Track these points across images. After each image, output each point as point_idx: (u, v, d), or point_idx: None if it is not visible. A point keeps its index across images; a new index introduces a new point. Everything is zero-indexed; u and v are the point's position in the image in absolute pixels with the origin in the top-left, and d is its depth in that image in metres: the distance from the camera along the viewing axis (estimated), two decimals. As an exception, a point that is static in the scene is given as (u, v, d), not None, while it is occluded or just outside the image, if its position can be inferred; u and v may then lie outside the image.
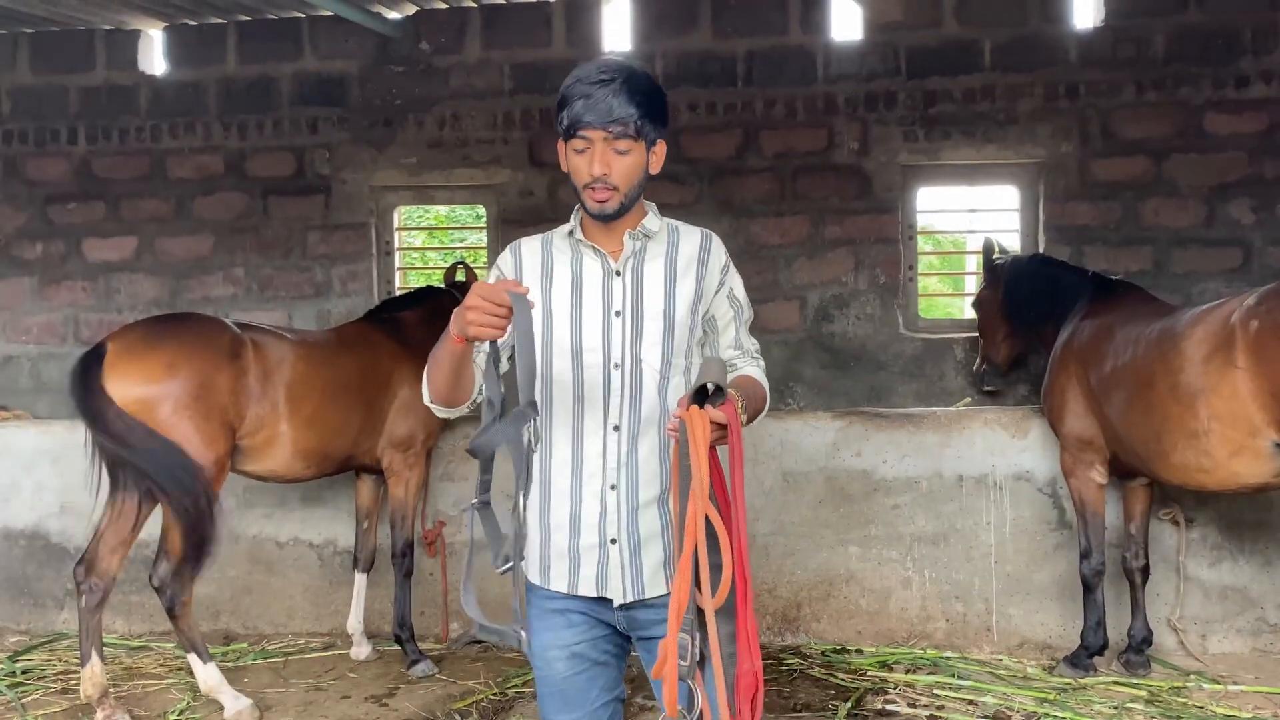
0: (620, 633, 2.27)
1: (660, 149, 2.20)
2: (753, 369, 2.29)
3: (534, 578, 2.26)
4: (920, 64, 6.17)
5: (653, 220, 2.23)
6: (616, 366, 2.17)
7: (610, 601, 2.21)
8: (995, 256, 5.55)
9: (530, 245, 2.28)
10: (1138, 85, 6.04)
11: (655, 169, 2.20)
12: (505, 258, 2.30)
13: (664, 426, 2.14)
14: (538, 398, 2.12)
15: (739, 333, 2.31)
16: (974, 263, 6.47)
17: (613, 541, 2.18)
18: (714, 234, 2.30)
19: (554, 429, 2.22)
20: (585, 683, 2.24)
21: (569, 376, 2.19)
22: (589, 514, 2.18)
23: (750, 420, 2.09)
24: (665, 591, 2.16)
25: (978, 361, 5.77)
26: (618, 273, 2.20)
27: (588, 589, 2.20)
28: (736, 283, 2.30)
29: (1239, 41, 5.95)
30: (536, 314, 2.14)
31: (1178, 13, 5.99)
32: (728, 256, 2.29)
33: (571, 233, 2.23)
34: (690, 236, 2.26)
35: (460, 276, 5.53)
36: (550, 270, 2.23)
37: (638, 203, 2.20)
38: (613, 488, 2.17)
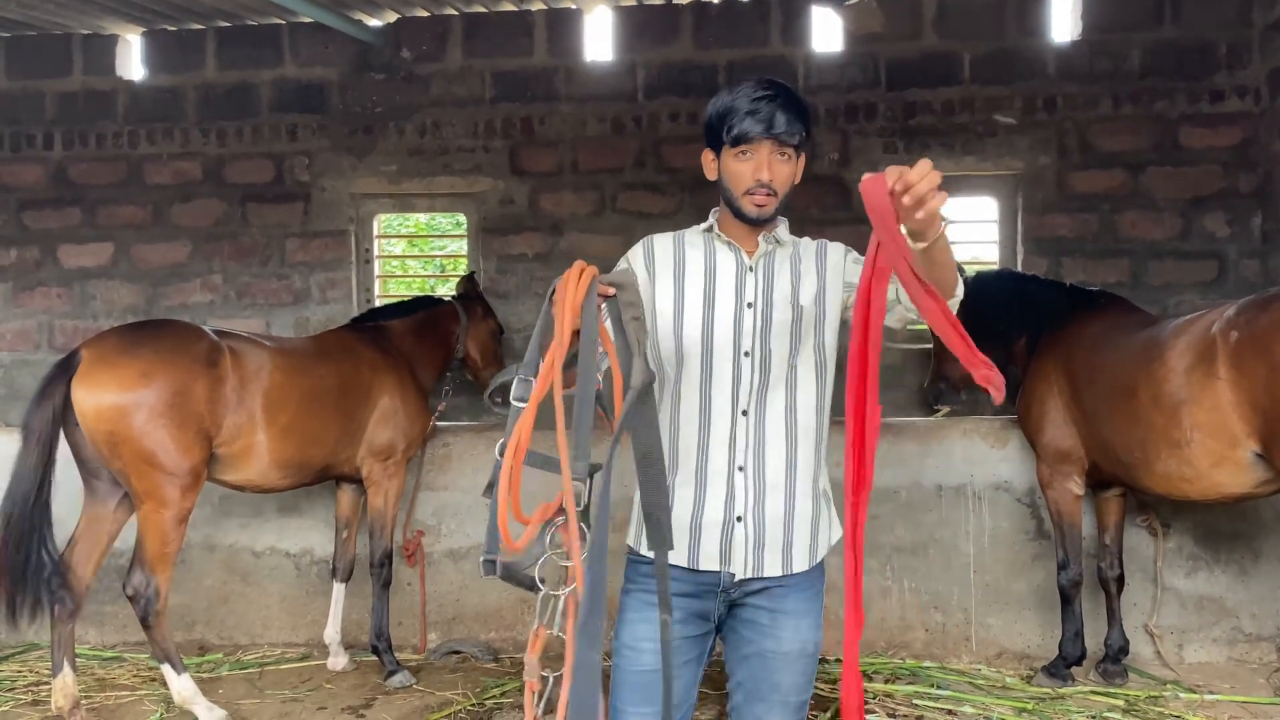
0: (705, 634, 2.37)
1: (803, 161, 2.36)
2: None
3: (646, 552, 2.31)
4: (900, 76, 6.21)
5: (784, 232, 2.40)
6: (746, 354, 2.30)
7: (715, 589, 2.31)
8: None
9: (662, 240, 2.43)
10: (1114, 99, 6.10)
11: (798, 179, 2.37)
12: (636, 250, 2.43)
13: (789, 415, 2.31)
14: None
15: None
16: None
17: (739, 519, 2.29)
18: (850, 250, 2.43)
19: (682, 413, 2.33)
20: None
21: (698, 363, 2.31)
22: (715, 493, 2.30)
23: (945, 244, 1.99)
24: (781, 573, 2.31)
25: (929, 379, 5.59)
26: (751, 268, 2.35)
27: (709, 564, 2.30)
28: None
29: (1214, 56, 6.02)
30: (668, 303, 2.33)
31: (1154, 27, 6.07)
32: (848, 248, 2.43)
33: (710, 229, 2.39)
34: (810, 244, 2.43)
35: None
36: (683, 263, 2.38)
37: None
38: (740, 469, 2.30)
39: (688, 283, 2.35)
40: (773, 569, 2.32)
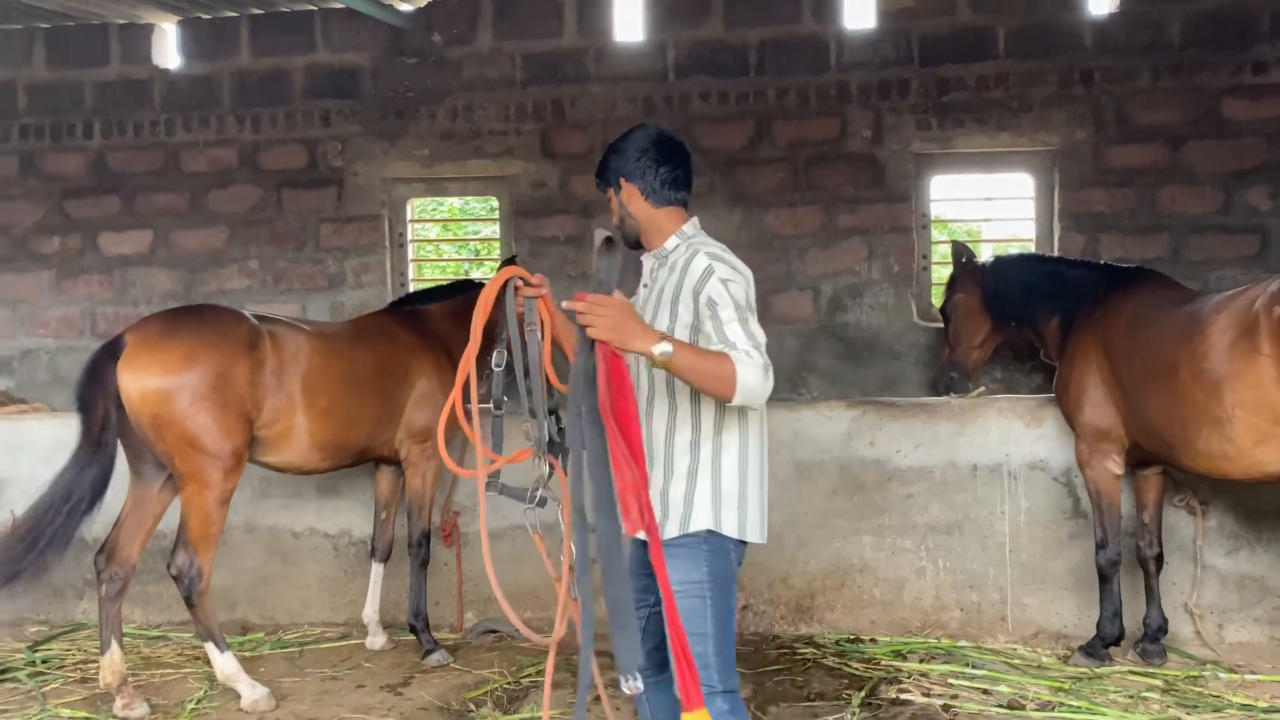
0: (650, 578, 2.69)
1: (623, 189, 2.75)
2: (727, 351, 2.52)
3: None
4: (933, 52, 6.14)
5: (671, 241, 2.76)
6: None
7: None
8: (965, 260, 5.32)
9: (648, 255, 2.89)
10: (1154, 71, 5.99)
11: (630, 204, 2.76)
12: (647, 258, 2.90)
13: (671, 411, 2.68)
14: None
15: (721, 329, 2.54)
16: (989, 251, 6.43)
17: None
18: (717, 267, 2.60)
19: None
20: None
21: (634, 364, 2.67)
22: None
23: (681, 369, 2.43)
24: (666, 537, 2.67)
25: (941, 367, 5.48)
26: (645, 284, 2.82)
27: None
28: (714, 289, 2.57)
29: (1256, 27, 5.90)
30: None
31: (1194, -2, 5.95)
32: (714, 280, 2.58)
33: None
34: (699, 262, 2.62)
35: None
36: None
37: (654, 229, 2.76)
38: (646, 449, 2.67)
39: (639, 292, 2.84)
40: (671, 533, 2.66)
